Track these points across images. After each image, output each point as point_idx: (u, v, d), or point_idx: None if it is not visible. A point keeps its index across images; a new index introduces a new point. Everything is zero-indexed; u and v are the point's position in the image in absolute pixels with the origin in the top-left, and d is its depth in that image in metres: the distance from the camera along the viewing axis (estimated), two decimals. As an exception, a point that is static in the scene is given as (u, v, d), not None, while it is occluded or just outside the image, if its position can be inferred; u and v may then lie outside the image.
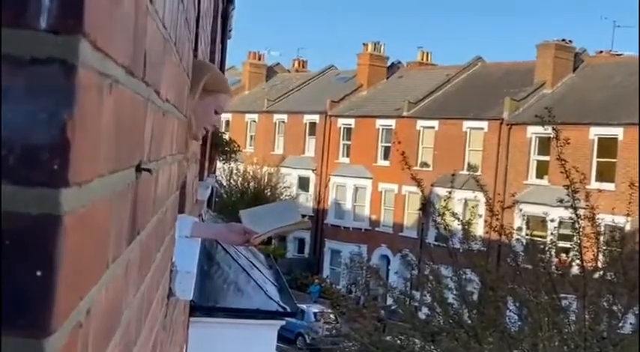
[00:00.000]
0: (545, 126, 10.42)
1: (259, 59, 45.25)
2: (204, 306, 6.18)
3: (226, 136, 8.80)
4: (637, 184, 11.33)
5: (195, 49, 3.24)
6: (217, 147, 8.11)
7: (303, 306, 24.94)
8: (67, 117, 0.53)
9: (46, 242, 0.53)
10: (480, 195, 15.86)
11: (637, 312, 10.75)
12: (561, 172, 10.16)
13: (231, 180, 32.13)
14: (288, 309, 6.44)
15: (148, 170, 1.03)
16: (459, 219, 12.12)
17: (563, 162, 10.02)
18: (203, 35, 4.08)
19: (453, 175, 14.22)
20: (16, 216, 0.53)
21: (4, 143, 0.51)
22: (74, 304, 0.61)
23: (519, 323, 11.44)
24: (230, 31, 11.72)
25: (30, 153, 0.52)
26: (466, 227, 12.13)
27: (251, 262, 7.03)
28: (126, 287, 1.01)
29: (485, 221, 12.97)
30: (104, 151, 0.70)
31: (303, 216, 2.92)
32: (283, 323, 6.47)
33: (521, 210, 14.36)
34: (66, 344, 0.59)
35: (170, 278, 2.22)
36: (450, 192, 13.00)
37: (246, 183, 32.66)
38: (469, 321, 11.19)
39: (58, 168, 0.53)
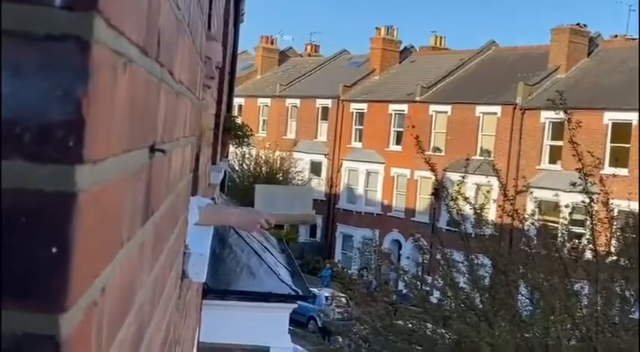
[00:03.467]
0: (557, 111, 10.35)
1: (272, 43, 45.13)
2: (217, 289, 6.21)
3: (239, 120, 8.78)
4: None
5: (209, 31, 3.24)
6: (230, 131, 8.09)
7: (315, 290, 25.06)
8: (81, 94, 0.53)
9: (61, 219, 0.53)
10: (493, 180, 15.79)
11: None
12: (573, 155, 10.11)
13: (244, 165, 32.17)
14: (300, 293, 6.46)
15: (162, 151, 1.03)
16: (471, 203, 12.09)
17: (575, 145, 9.96)
18: (216, 17, 4.06)
19: (467, 160, 14.18)
20: (32, 193, 0.53)
21: (20, 120, 0.51)
22: (89, 282, 0.62)
23: (530, 307, 11.44)
24: (242, 14, 11.68)
25: (45, 130, 0.52)
26: (479, 212, 12.10)
27: (263, 246, 7.05)
28: (140, 267, 1.02)
29: (500, 206, 12.94)
30: (118, 130, 0.70)
31: (315, 200, 2.92)
32: (295, 306, 6.49)
33: (532, 192, 14.30)
34: (81, 321, 0.60)
35: (183, 261, 2.23)
36: (463, 177, 12.96)
37: (258, 168, 32.69)
38: (480, 305, 11.20)
39: (73, 144, 0.53)
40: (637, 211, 11.79)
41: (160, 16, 0.93)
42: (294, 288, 6.36)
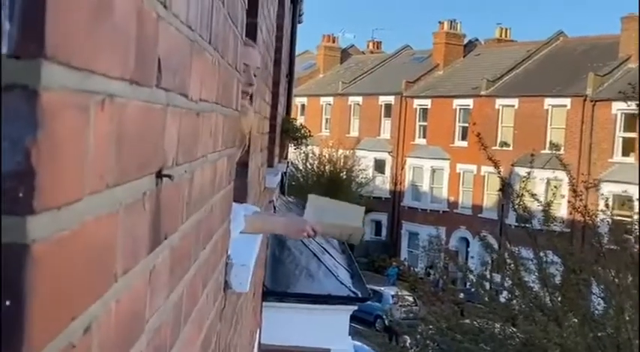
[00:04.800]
0: (629, 103, 9.99)
1: (333, 42, 45.18)
2: (276, 291, 6.26)
3: (297, 122, 8.82)
4: None
5: (254, 39, 3.24)
6: (288, 133, 8.14)
7: (381, 289, 24.96)
8: (30, 144, 0.52)
9: (13, 271, 0.52)
10: (563, 174, 15.39)
11: None
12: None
13: (307, 164, 32.30)
14: (360, 294, 6.43)
15: (168, 176, 1.02)
16: (538, 200, 11.80)
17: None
18: (264, 23, 4.07)
19: (532, 155, 13.84)
20: (-14, 244, 0.52)
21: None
22: (60, 327, 0.61)
23: (604, 305, 11.08)
24: (301, 15, 11.69)
25: (-6, 182, 0.52)
26: (546, 209, 11.80)
27: (323, 247, 7.06)
28: (150, 294, 1.01)
29: (569, 201, 12.59)
30: (97, 168, 0.69)
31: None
32: (355, 308, 6.47)
33: (598, 189, 13.81)
34: (52, 367, 0.59)
35: (225, 271, 2.24)
36: (529, 173, 12.67)
37: (322, 167, 32.76)
38: (550, 304, 10.92)
39: (22, 196, 0.52)
40: None
41: (158, 44, 0.92)
42: (354, 290, 6.34)
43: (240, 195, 3.17)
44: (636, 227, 11.29)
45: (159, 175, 0.99)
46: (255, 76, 2.55)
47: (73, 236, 0.62)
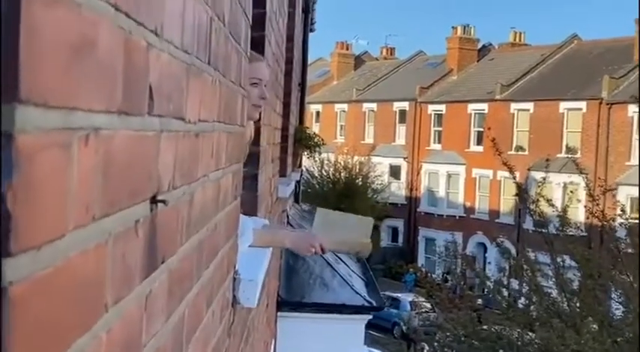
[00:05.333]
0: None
1: (347, 49, 45.22)
2: (291, 301, 6.25)
3: (310, 131, 8.83)
4: None
5: (262, 52, 3.25)
6: (301, 141, 8.15)
7: (399, 295, 24.86)
8: (6, 188, 0.52)
9: (-10, 314, 0.53)
10: (580, 178, 15.26)
11: None
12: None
13: (323, 171, 32.29)
14: (375, 303, 6.41)
15: (162, 201, 1.02)
16: (553, 205, 11.73)
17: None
18: (273, 36, 4.08)
19: (547, 160, 13.77)
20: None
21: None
22: (43, 365, 0.61)
23: (623, 310, 10.97)
24: (313, 24, 11.71)
25: (-30, 227, 0.52)
26: (562, 214, 11.72)
27: (337, 256, 7.05)
28: (146, 318, 1.01)
29: (585, 206, 12.51)
30: (83, 202, 0.69)
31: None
32: (370, 317, 6.45)
33: (615, 195, 13.72)
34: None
35: (233, 287, 2.24)
36: (544, 178, 12.60)
37: (337, 174, 32.73)
38: (568, 310, 10.83)
39: (-1, 239, 0.53)
40: None
41: (149, 72, 0.92)
42: (368, 299, 6.32)
43: (250, 208, 3.18)
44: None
45: (154, 201, 0.99)
46: (265, 86, 2.57)
47: (55, 273, 0.63)
